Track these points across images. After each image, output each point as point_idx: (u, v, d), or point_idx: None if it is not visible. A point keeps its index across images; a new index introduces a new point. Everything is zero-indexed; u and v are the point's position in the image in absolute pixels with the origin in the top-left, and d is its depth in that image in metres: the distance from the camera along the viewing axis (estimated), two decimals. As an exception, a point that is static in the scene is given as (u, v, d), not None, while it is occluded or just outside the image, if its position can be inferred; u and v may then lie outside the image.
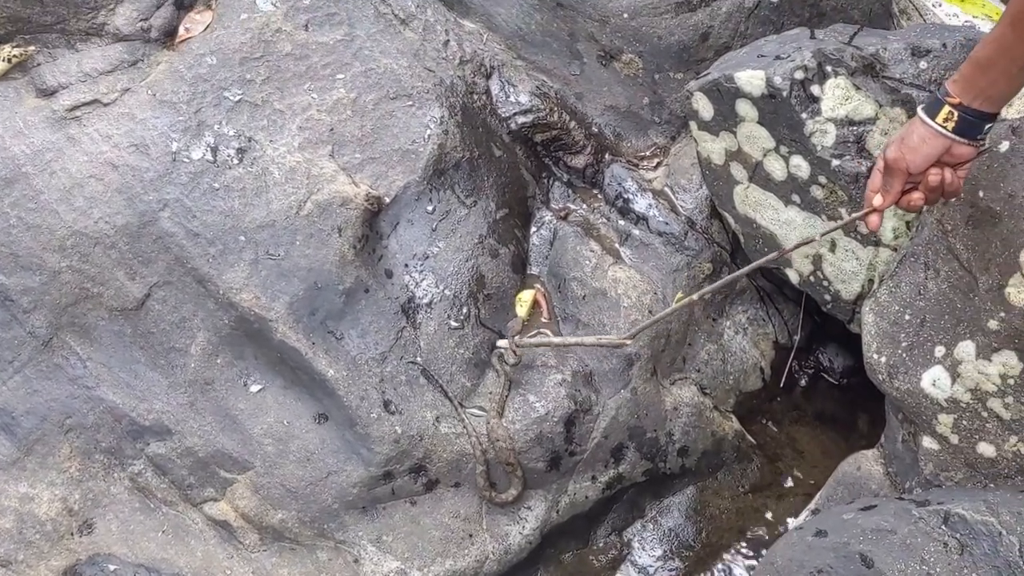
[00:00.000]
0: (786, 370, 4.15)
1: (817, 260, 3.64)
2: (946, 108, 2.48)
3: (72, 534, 3.56)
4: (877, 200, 2.62)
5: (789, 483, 4.01)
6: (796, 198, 3.55)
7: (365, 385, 3.49)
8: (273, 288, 3.49)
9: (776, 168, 3.57)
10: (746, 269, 3.17)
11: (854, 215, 2.82)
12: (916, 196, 2.59)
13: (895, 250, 3.42)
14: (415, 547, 3.53)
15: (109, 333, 3.57)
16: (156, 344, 3.56)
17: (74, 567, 3.53)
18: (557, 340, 3.65)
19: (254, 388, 3.56)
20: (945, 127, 2.48)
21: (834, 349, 4.24)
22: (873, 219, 2.69)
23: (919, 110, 2.55)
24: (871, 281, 3.52)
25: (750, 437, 4.03)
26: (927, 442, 3.27)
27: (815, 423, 4.16)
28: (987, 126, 2.50)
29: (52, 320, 3.55)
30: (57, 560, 3.52)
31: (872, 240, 3.47)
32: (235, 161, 3.56)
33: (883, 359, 3.28)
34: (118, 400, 3.56)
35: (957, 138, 2.48)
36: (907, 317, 3.25)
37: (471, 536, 3.58)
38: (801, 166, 3.49)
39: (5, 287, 3.51)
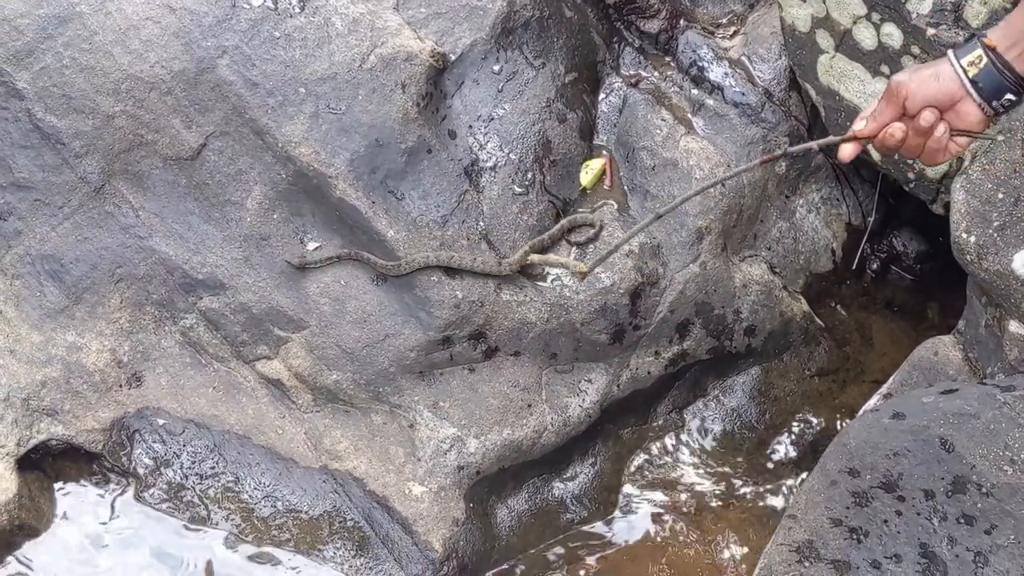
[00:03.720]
0: (859, 253, 4.03)
1: (903, 136, 3.48)
2: (977, 51, 2.10)
3: (120, 386, 3.50)
4: (859, 125, 2.28)
5: (857, 368, 3.91)
6: (885, 69, 3.39)
7: (426, 248, 3.38)
8: (333, 143, 3.38)
9: (866, 36, 3.40)
10: (695, 192, 2.80)
11: (831, 138, 2.47)
12: (897, 127, 2.12)
13: (989, 126, 3.25)
14: (472, 414, 3.45)
15: (163, 182, 3.47)
16: (211, 196, 3.46)
17: (122, 420, 3.48)
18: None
19: (311, 246, 3.45)
20: (967, 72, 2.09)
21: (908, 233, 4.11)
22: (847, 148, 2.23)
23: (950, 50, 2.19)
24: (959, 159, 3.36)
25: (818, 320, 3.92)
26: (1014, 327, 3.14)
27: (885, 309, 4.06)
28: (1008, 96, 2.10)
29: (104, 166, 3.45)
30: (105, 412, 3.47)
31: (965, 115, 3.29)
32: (296, 9, 3.44)
33: (972, 238, 3.13)
34: (171, 252, 3.48)
35: (971, 90, 2.08)
36: (1000, 195, 3.10)
37: (530, 406, 3.50)
38: (893, 35, 3.32)
39: (57, 129, 3.41)
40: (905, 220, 4.11)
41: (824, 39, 3.53)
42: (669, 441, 3.76)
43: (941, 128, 2.12)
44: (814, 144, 2.42)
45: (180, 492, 3.44)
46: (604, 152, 3.77)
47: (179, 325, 3.55)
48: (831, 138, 2.40)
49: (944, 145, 2.15)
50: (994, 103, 2.11)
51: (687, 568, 3.48)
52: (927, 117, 2.10)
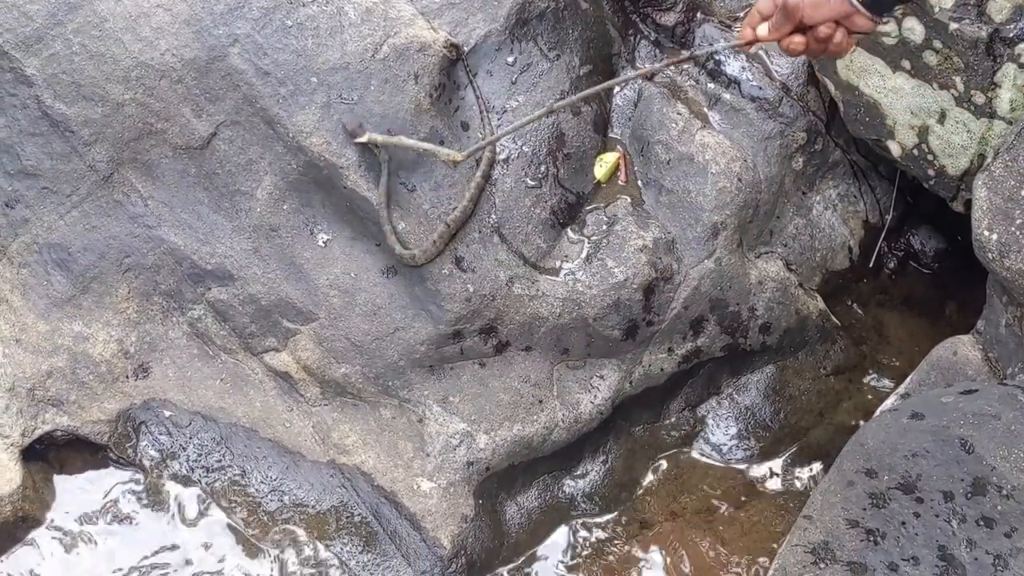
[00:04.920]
0: (876, 250, 3.98)
1: (923, 132, 3.44)
2: None
3: (127, 377, 3.47)
4: (762, 30, 2.36)
5: (873, 367, 3.86)
6: (906, 64, 3.35)
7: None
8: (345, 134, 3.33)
9: (887, 30, 3.35)
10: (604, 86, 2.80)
11: (732, 42, 2.56)
12: (798, 40, 2.28)
13: (1011, 123, 3.21)
14: (482, 410, 3.42)
15: (172, 172, 3.44)
16: (221, 186, 3.43)
17: (128, 411, 3.45)
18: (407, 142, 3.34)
19: (321, 237, 3.41)
20: None
21: (926, 232, 4.07)
22: (746, 39, 2.39)
23: None
24: (981, 156, 3.31)
25: (835, 318, 3.88)
26: (1035, 326, 3.10)
27: (902, 307, 4.01)
28: (897, 6, 2.27)
29: (113, 155, 3.42)
30: (111, 403, 3.45)
31: (987, 112, 3.25)
32: (309, -2, 3.39)
33: (994, 236, 3.08)
34: (179, 241, 3.45)
35: (862, 8, 2.20)
36: (1023, 192, 3.05)
37: (541, 402, 3.46)
38: (915, 29, 3.28)
39: (66, 117, 3.38)
40: (923, 218, 4.06)
41: (844, 33, 3.47)
42: (682, 439, 3.71)
43: (839, 35, 2.25)
44: (719, 47, 2.56)
45: (186, 485, 3.41)
46: (618, 146, 3.72)
47: (187, 316, 3.52)
48: (733, 41, 2.48)
49: (843, 47, 2.29)
50: (884, 15, 2.26)
51: (699, 568, 3.44)
52: (824, 31, 2.23)
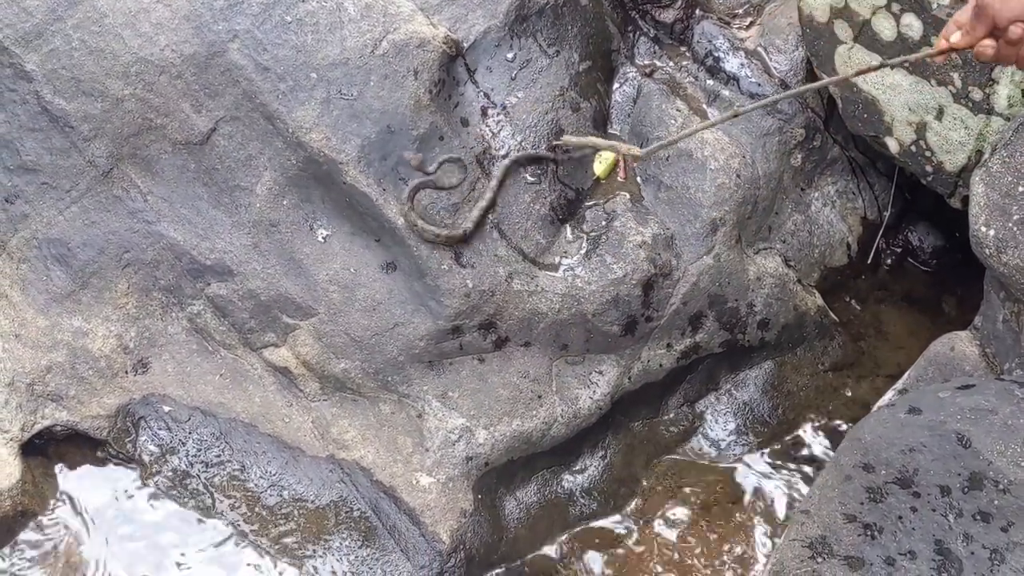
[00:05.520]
0: (874, 247, 3.99)
1: (921, 129, 3.44)
2: None
3: (126, 372, 3.48)
4: (955, 37, 2.36)
5: (871, 363, 3.87)
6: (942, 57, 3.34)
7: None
8: (344, 129, 3.33)
9: (885, 27, 3.36)
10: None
11: (926, 51, 2.54)
12: (988, 43, 2.26)
13: (1008, 119, 3.21)
14: (481, 405, 3.42)
15: (172, 167, 3.44)
16: (220, 181, 3.43)
17: (127, 406, 3.46)
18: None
19: (321, 233, 3.42)
20: None
21: (924, 228, 4.07)
22: (940, 48, 2.38)
23: None
24: (979, 152, 3.32)
25: (833, 314, 3.88)
26: (1033, 322, 3.10)
27: (900, 304, 4.02)
28: None
29: (113, 150, 3.43)
30: (110, 398, 3.45)
31: (985, 108, 3.26)
32: (309, -7, 3.40)
33: (991, 232, 3.09)
34: (179, 237, 3.45)
35: None
36: (1021, 188, 3.05)
37: (540, 397, 3.47)
38: (913, 25, 3.28)
39: (65, 112, 3.38)
40: (921, 214, 4.07)
41: (842, 29, 3.49)
42: (680, 435, 3.71)
43: None
44: (912, 57, 2.56)
45: (185, 480, 3.42)
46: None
47: (186, 311, 3.52)
48: (927, 50, 2.46)
49: None
50: None
51: (697, 563, 3.44)
52: (1015, 32, 2.19)
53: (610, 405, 3.55)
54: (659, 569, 3.45)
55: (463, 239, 3.35)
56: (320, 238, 3.42)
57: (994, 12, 2.20)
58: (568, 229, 3.55)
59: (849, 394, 3.80)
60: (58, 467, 3.44)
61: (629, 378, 3.57)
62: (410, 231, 3.31)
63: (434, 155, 3.36)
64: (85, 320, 3.47)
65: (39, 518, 3.32)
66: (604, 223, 3.53)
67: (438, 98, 3.42)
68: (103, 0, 3.38)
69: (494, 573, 3.43)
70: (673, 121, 3.68)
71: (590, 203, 3.60)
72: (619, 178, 3.68)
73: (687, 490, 3.60)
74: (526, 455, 3.47)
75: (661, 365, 3.61)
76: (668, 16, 3.90)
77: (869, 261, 4.01)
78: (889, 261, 4.08)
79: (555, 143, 3.42)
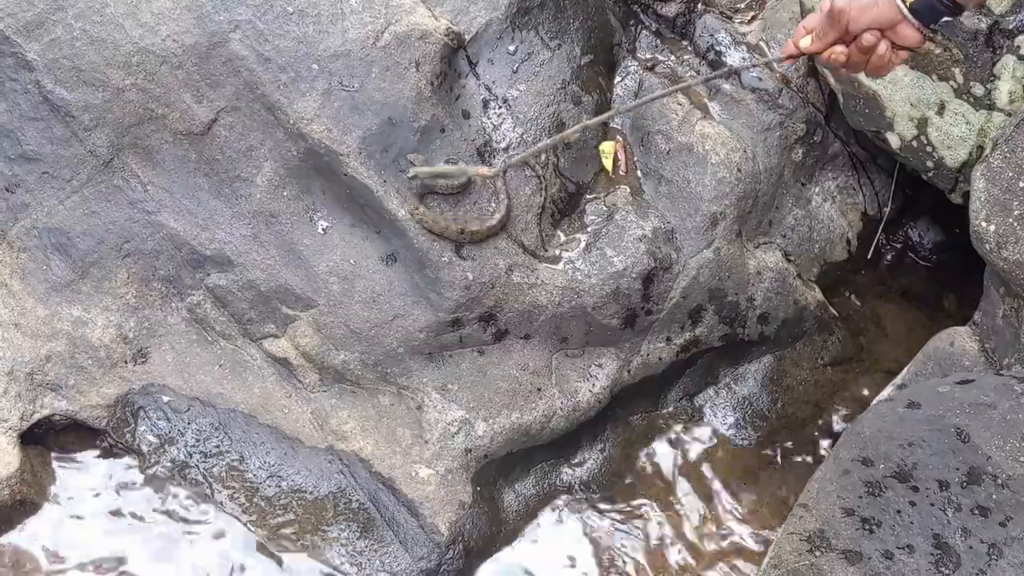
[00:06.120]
0: (874, 242, 3.99)
1: (922, 124, 3.44)
2: None
3: (126, 362, 3.47)
4: (805, 42, 2.34)
5: (871, 358, 3.87)
6: (904, 59, 3.33)
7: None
8: (345, 121, 3.33)
9: (933, 49, 3.35)
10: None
11: (777, 55, 2.53)
12: (840, 50, 2.25)
13: (1010, 114, 3.21)
14: (481, 397, 3.42)
15: (172, 157, 3.43)
16: (221, 172, 3.42)
17: (126, 396, 3.45)
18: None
19: (321, 224, 3.41)
20: (904, 1, 2.15)
21: (924, 224, 4.08)
22: (789, 53, 2.39)
23: None
24: (979, 148, 3.32)
25: (832, 309, 3.88)
26: (1032, 317, 3.10)
27: (900, 299, 4.03)
28: (944, 18, 2.18)
29: (114, 140, 3.42)
30: (109, 388, 3.44)
31: (986, 103, 3.26)
32: (310, -16, 3.39)
33: (992, 227, 3.09)
34: (179, 227, 3.44)
35: (909, 16, 2.15)
36: (1021, 184, 3.06)
37: (539, 390, 3.47)
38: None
39: (66, 102, 3.37)
40: (922, 210, 4.08)
41: (844, 24, 3.47)
42: (679, 428, 3.72)
43: (883, 46, 2.19)
44: (763, 61, 2.53)
45: (184, 470, 3.41)
46: (618, 136, 3.73)
47: (186, 302, 3.52)
48: (777, 55, 2.45)
49: (887, 61, 2.23)
50: (931, 25, 2.18)
51: (694, 557, 3.45)
52: (868, 39, 2.18)
53: (609, 398, 3.56)
54: (657, 561, 3.45)
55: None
56: (320, 229, 3.41)
57: (849, 19, 2.18)
58: (568, 222, 3.55)
59: (848, 389, 3.81)
60: (57, 457, 3.42)
61: (628, 371, 3.57)
62: (419, 227, 3.30)
63: (433, 151, 3.35)
64: (85, 310, 3.46)
65: (38, 507, 3.30)
66: (605, 216, 3.54)
67: (439, 90, 3.42)
68: (105, -10, 3.37)
69: (492, 565, 3.42)
70: (674, 115, 3.68)
71: (591, 196, 3.60)
72: (620, 171, 3.68)
73: (685, 483, 3.60)
74: (525, 448, 3.48)
75: (661, 359, 3.61)
76: (670, 10, 3.91)
77: (869, 256, 4.01)
78: (889, 257, 4.08)
79: (408, 175, 3.35)
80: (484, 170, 3.08)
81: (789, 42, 2.34)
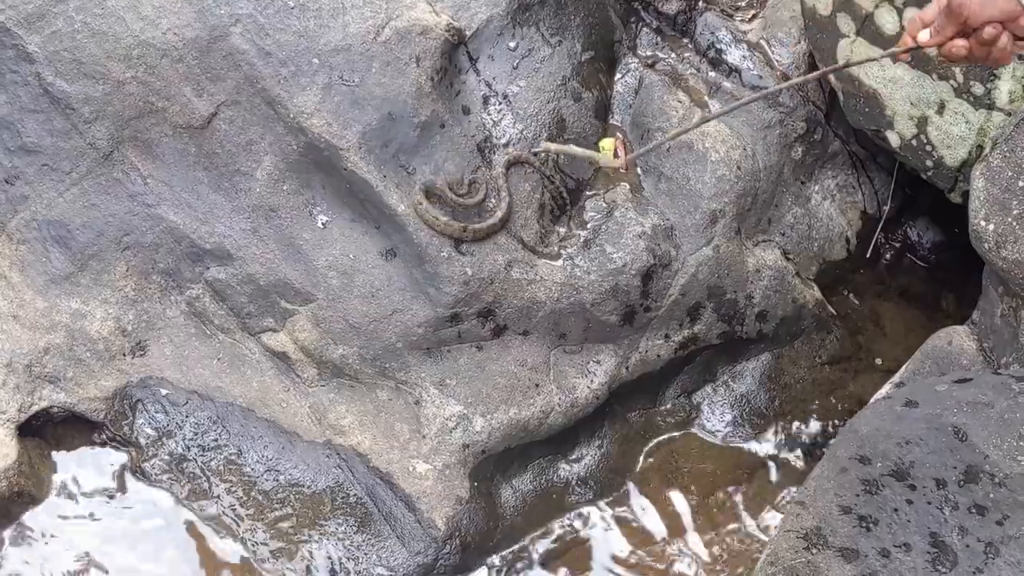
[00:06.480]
0: (873, 241, 3.99)
1: (922, 123, 3.44)
2: None
3: (124, 355, 3.47)
4: (924, 36, 2.31)
5: (869, 357, 3.87)
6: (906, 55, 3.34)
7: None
8: (346, 115, 3.33)
9: (888, 21, 3.36)
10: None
11: (893, 49, 2.49)
12: (961, 44, 2.19)
13: (1010, 114, 3.22)
14: (479, 393, 3.42)
15: (172, 151, 3.43)
16: (220, 166, 3.43)
17: (125, 388, 3.45)
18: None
19: (320, 219, 3.41)
20: None
21: (924, 223, 4.08)
22: (906, 46, 2.31)
23: None
24: (979, 147, 3.32)
25: (831, 308, 3.89)
26: (1031, 317, 3.11)
27: (899, 298, 4.03)
28: None
29: (114, 133, 3.42)
30: (107, 380, 3.44)
31: (986, 103, 3.26)
32: (311, -21, 3.39)
33: (991, 227, 3.09)
34: (179, 220, 3.44)
35: None
36: (1021, 183, 3.06)
37: (538, 386, 3.47)
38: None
39: (67, 95, 3.38)
40: (921, 209, 4.07)
41: (845, 23, 3.49)
42: (677, 425, 3.72)
43: (1004, 39, 2.14)
44: (878, 56, 2.51)
45: (182, 464, 3.41)
46: (618, 133, 3.73)
47: (185, 295, 3.52)
48: (893, 49, 2.40)
49: (1008, 52, 2.18)
50: None
51: (693, 554, 3.45)
52: (990, 32, 2.12)
53: (607, 395, 3.56)
54: (654, 559, 3.45)
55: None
56: (320, 224, 3.41)
57: (969, 14, 2.13)
58: (568, 218, 3.55)
59: (846, 387, 3.81)
60: (55, 449, 3.42)
61: (627, 368, 3.58)
62: (418, 223, 3.30)
63: (433, 147, 3.35)
64: (83, 302, 3.46)
65: (36, 500, 3.31)
66: (604, 213, 3.54)
67: (440, 86, 3.42)
68: (106, -18, 3.37)
69: (489, 560, 3.42)
70: (674, 113, 3.68)
71: (590, 193, 3.61)
72: (620, 169, 3.67)
73: (683, 481, 3.60)
74: (523, 443, 3.48)
75: (659, 356, 3.62)
76: (671, 7, 3.91)
77: (868, 255, 4.01)
78: (888, 256, 4.08)
79: (534, 150, 3.40)
80: (617, 161, 2.99)
81: (906, 35, 2.30)
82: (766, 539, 3.41)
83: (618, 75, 3.83)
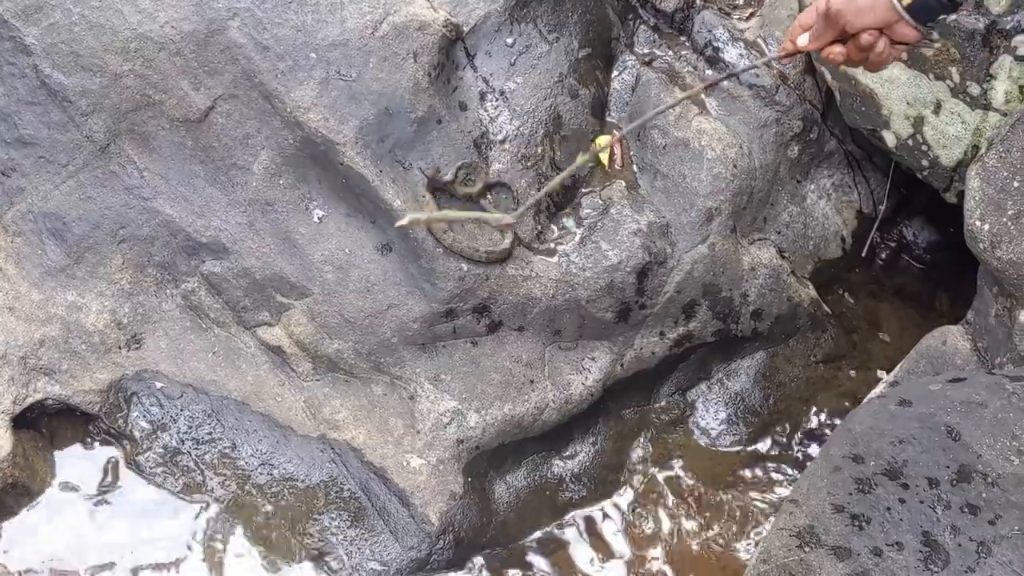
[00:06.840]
0: (868, 240, 4.00)
1: (918, 123, 3.44)
2: None
3: (120, 348, 3.47)
4: (803, 40, 2.33)
5: (863, 356, 3.88)
6: (903, 55, 3.33)
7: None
8: (342, 110, 3.32)
9: (931, 43, 3.35)
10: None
11: (774, 54, 2.49)
12: (838, 50, 2.24)
13: (1005, 114, 3.22)
14: (474, 388, 3.42)
15: (169, 144, 3.43)
16: (217, 159, 3.42)
17: (120, 381, 3.45)
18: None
19: (316, 213, 3.41)
20: (901, 1, 2.13)
21: (919, 223, 4.09)
22: (786, 51, 2.37)
23: None
24: (975, 148, 3.32)
25: (826, 306, 3.89)
26: (1024, 317, 3.11)
27: (893, 298, 4.04)
28: (941, 16, 2.20)
29: (110, 125, 3.42)
30: (103, 373, 3.44)
31: (982, 103, 3.26)
32: (309, -27, 3.39)
33: (986, 227, 3.10)
34: (175, 214, 3.44)
35: (906, 16, 2.13)
36: (1016, 184, 3.07)
37: (532, 382, 3.47)
38: (912, 19, 3.27)
39: (64, 87, 3.37)
40: (917, 209, 4.08)
41: (843, 22, 3.47)
42: (671, 423, 3.72)
43: (881, 44, 2.18)
44: (760, 62, 2.49)
45: (176, 457, 3.42)
46: (615, 130, 3.73)
47: (181, 288, 3.52)
48: (774, 54, 2.42)
49: (885, 57, 2.22)
50: (928, 24, 2.18)
51: (685, 551, 3.45)
52: (866, 39, 2.16)
53: (602, 392, 3.56)
54: (648, 555, 3.46)
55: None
56: (316, 218, 3.41)
57: (846, 22, 2.17)
58: (564, 215, 3.55)
59: (841, 386, 3.82)
60: (49, 441, 3.42)
61: (621, 365, 3.58)
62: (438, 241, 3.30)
63: (429, 142, 3.35)
64: (79, 295, 3.46)
65: (30, 492, 3.31)
66: (600, 210, 3.54)
67: (437, 81, 3.41)
68: (104, -25, 3.36)
69: (482, 556, 3.43)
70: (670, 110, 3.67)
71: (586, 190, 3.60)
72: (616, 165, 3.68)
73: (677, 477, 3.61)
74: (517, 439, 3.48)
75: (654, 353, 3.62)
76: (668, 5, 3.90)
77: (863, 255, 4.02)
78: (883, 255, 4.09)
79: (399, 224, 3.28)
80: (506, 219, 2.88)
81: (786, 40, 2.34)
82: (759, 537, 3.41)
83: (615, 72, 3.83)
